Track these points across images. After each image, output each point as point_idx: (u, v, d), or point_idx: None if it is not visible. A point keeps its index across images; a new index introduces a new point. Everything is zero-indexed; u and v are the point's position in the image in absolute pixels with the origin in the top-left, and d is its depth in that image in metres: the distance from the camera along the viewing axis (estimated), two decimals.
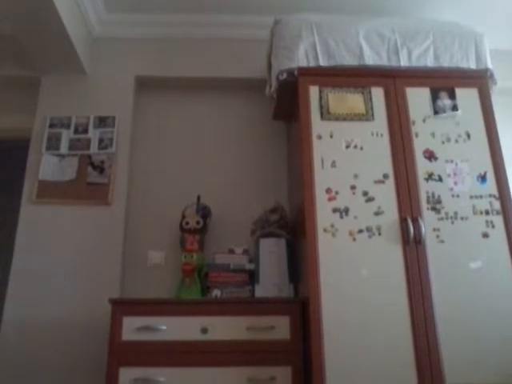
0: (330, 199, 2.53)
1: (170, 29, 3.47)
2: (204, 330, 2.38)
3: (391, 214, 2.51)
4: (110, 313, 2.39)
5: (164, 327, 2.37)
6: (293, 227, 2.90)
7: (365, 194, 2.55)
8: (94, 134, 3.20)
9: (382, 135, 2.67)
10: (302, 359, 2.35)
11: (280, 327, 2.40)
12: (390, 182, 2.57)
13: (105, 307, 2.43)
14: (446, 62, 2.82)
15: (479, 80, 2.82)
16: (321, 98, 2.73)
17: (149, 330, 2.36)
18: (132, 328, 2.37)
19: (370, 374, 2.24)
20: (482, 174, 2.61)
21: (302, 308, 2.45)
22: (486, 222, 2.52)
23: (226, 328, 2.39)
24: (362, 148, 2.64)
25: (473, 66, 2.83)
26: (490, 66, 2.84)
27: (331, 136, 2.66)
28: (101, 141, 3.18)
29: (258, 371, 2.32)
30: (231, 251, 2.93)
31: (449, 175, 2.60)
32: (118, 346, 2.34)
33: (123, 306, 2.44)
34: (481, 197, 2.56)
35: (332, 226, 2.48)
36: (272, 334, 2.38)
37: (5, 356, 2.73)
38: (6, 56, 3.37)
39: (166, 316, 2.41)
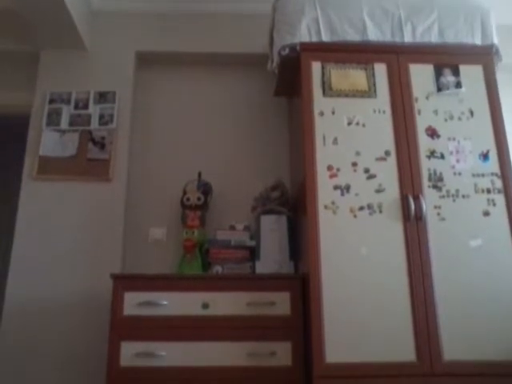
0: (331, 176, 2.53)
1: (170, 3, 3.42)
2: (205, 306, 2.40)
3: (392, 191, 2.51)
4: (111, 288, 2.41)
5: (165, 302, 2.39)
6: (294, 204, 2.91)
7: (366, 171, 2.54)
8: (94, 110, 3.18)
9: (384, 112, 2.65)
10: (302, 335, 2.37)
11: (280, 303, 2.42)
12: (392, 160, 2.56)
13: (106, 283, 2.45)
14: (450, 38, 2.79)
15: (484, 56, 2.78)
16: (323, 74, 2.70)
17: (150, 305, 2.38)
18: (133, 303, 2.38)
19: (370, 350, 2.26)
20: (485, 152, 2.60)
21: (302, 284, 2.46)
22: (488, 200, 2.51)
23: (226, 303, 2.41)
24: (363, 125, 2.63)
25: (478, 41, 2.79)
26: (495, 41, 2.80)
27: (333, 113, 2.64)
28: (101, 117, 3.16)
29: (258, 346, 2.34)
30: (232, 228, 2.95)
31: (451, 153, 2.59)
32: (119, 321, 2.37)
33: (125, 282, 2.45)
34: (483, 175, 2.55)
35: (333, 203, 2.48)
36: (272, 309, 2.40)
37: (8, 331, 2.76)
38: (4, 30, 3.33)
39: (167, 291, 2.43)
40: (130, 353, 2.32)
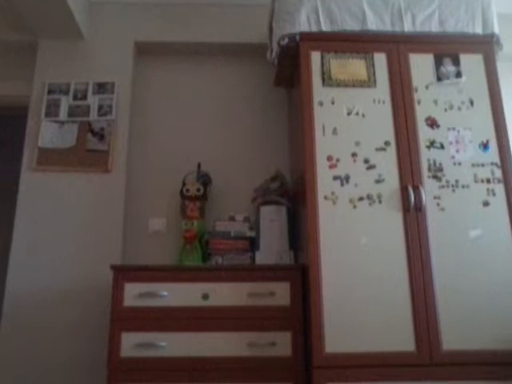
0: (330, 167, 2.52)
1: None
2: (205, 296, 2.41)
3: (392, 181, 2.50)
4: (111, 279, 2.41)
5: (165, 293, 2.40)
6: (293, 195, 2.91)
7: (366, 161, 2.54)
8: (93, 101, 3.17)
9: (383, 102, 2.64)
10: (302, 325, 2.38)
11: (280, 293, 2.42)
12: (392, 150, 2.55)
13: (106, 274, 2.45)
14: (450, 27, 2.77)
15: (485, 45, 2.76)
16: (323, 64, 2.69)
17: (150, 296, 2.39)
18: (134, 294, 2.39)
19: (369, 340, 2.27)
20: (485, 141, 2.59)
21: (302, 275, 2.47)
22: (487, 190, 2.51)
23: (226, 294, 2.42)
24: (363, 115, 2.62)
25: (478, 30, 2.77)
26: (496, 30, 2.78)
27: (333, 103, 2.63)
28: (100, 107, 3.15)
29: (258, 336, 2.35)
30: (232, 218, 2.95)
31: (451, 143, 2.58)
32: (119, 312, 2.37)
33: (125, 273, 2.45)
34: (482, 165, 2.55)
35: (332, 193, 2.47)
36: (272, 300, 2.41)
37: (9, 323, 2.77)
38: (1, 19, 3.30)
39: (167, 282, 2.44)
40: (131, 343, 2.33)
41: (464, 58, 2.72)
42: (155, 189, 3.14)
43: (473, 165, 2.55)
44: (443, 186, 2.51)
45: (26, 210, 2.94)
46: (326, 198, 2.47)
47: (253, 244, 2.81)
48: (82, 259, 2.86)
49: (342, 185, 2.50)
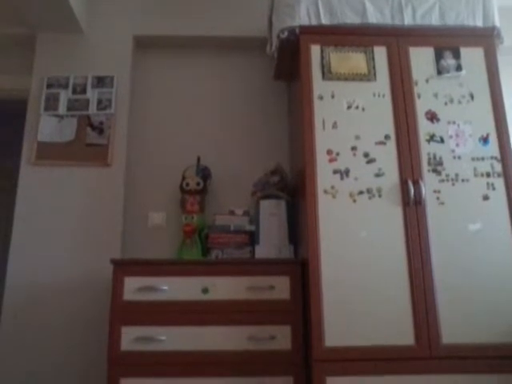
0: (330, 160, 2.52)
1: None
2: (205, 290, 2.41)
3: (392, 175, 2.50)
4: (111, 273, 2.41)
5: (165, 287, 2.40)
6: (293, 188, 2.90)
7: (366, 155, 2.53)
8: (92, 95, 3.16)
9: (383, 96, 2.63)
10: (302, 319, 2.38)
11: (280, 287, 2.42)
12: (392, 144, 2.55)
13: (106, 268, 2.45)
14: (451, 21, 2.75)
15: (485, 39, 2.75)
16: (322, 58, 2.68)
17: (150, 290, 2.39)
18: (133, 288, 2.39)
19: (368, 334, 2.27)
20: (485, 135, 2.58)
21: (301, 268, 2.47)
22: (487, 184, 2.51)
23: (226, 288, 2.42)
24: (363, 109, 2.61)
25: (479, 24, 2.75)
26: (497, 23, 2.76)
27: (332, 96, 2.62)
28: (99, 101, 3.15)
29: (258, 330, 2.36)
30: (231, 212, 2.95)
31: (451, 137, 2.58)
32: (119, 306, 2.38)
33: (124, 267, 2.46)
34: (482, 159, 2.54)
35: (332, 187, 2.47)
36: (272, 294, 2.41)
37: (8, 317, 2.78)
38: (0, 13, 3.29)
39: (167, 276, 2.44)
40: (131, 337, 2.33)
41: (464, 52, 2.71)
42: (155, 183, 3.13)
43: (473, 159, 2.54)
44: (443, 180, 2.51)
45: (25, 205, 2.94)
46: (325, 191, 2.46)
47: (252, 238, 2.81)
48: (82, 253, 2.87)
49: (341, 179, 2.49)
